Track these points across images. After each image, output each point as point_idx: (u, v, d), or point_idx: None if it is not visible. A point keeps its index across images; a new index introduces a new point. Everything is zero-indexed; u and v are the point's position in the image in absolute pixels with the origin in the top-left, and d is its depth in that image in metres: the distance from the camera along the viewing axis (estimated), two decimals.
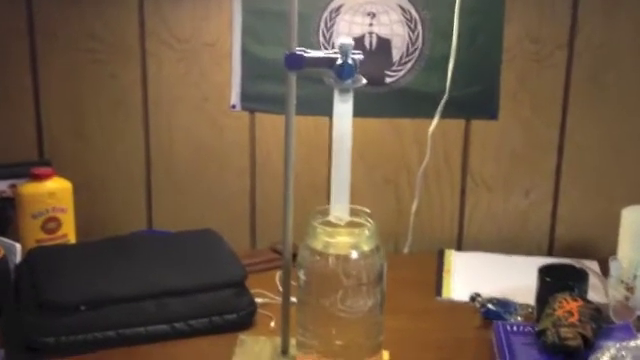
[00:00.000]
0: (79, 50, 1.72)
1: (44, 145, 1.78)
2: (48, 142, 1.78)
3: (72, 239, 1.66)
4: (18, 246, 1.56)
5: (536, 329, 1.36)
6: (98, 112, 1.76)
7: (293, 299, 1.30)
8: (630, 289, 1.48)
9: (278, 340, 1.36)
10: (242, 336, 1.40)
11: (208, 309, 1.43)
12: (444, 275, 1.65)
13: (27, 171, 1.63)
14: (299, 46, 1.64)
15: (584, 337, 1.31)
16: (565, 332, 1.31)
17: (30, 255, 1.53)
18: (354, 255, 1.22)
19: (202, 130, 1.76)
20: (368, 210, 1.26)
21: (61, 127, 1.77)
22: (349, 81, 1.18)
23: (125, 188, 1.80)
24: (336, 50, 1.19)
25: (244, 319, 1.45)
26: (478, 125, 1.71)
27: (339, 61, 1.18)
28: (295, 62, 1.20)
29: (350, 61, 1.17)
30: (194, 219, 1.76)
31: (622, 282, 1.49)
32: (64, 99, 1.76)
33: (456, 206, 1.76)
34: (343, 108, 1.20)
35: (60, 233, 1.64)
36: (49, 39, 1.72)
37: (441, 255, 1.73)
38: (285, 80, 1.25)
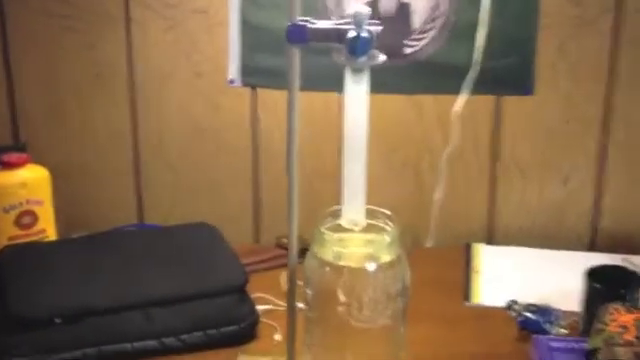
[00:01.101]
0: (53, 17, 1.55)
1: (18, 126, 1.62)
2: (23, 123, 1.62)
3: (51, 235, 1.50)
4: None
5: (585, 348, 1.17)
6: (77, 88, 1.60)
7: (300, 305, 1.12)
8: None
9: None
10: (242, 356, 1.21)
11: (203, 320, 1.26)
12: (472, 275, 1.47)
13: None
14: (302, 12, 1.45)
15: None
16: (620, 353, 1.12)
17: (1, 255, 1.37)
18: (371, 267, 1.03)
19: (196, 109, 1.59)
20: (388, 212, 1.07)
21: (36, 105, 1.61)
22: (363, 58, 0.97)
23: (110, 176, 1.65)
24: (348, 19, 0.98)
25: (245, 331, 1.28)
26: (510, 102, 1.53)
27: (351, 34, 0.96)
28: (298, 35, 0.99)
29: (365, 33, 0.96)
30: (189, 210, 1.62)
31: None
32: (39, 73, 1.59)
33: (485, 194, 1.59)
34: (356, 90, 0.99)
35: (37, 228, 1.48)
36: (18, 4, 1.55)
37: (468, 250, 1.55)
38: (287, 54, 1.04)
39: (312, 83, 1.48)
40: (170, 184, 1.64)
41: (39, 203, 1.47)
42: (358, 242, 1.05)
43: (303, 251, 1.48)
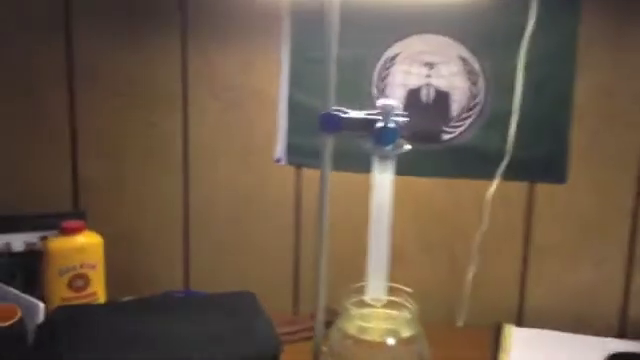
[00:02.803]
0: (118, 95, 1.65)
1: (79, 194, 1.71)
2: (83, 191, 1.71)
3: (101, 297, 1.57)
4: (41, 306, 1.46)
5: None
6: (136, 161, 1.68)
7: None
8: None
9: None
10: None
11: None
12: (501, 356, 1.49)
13: (60, 223, 1.54)
14: (350, 98, 1.53)
15: None
16: None
17: (52, 316, 1.43)
18: (391, 342, 1.09)
19: (245, 184, 1.66)
20: (409, 289, 1.13)
21: (97, 176, 1.70)
22: (390, 147, 1.05)
23: (161, 243, 1.71)
24: (377, 110, 1.06)
25: None
26: (543, 188, 1.57)
27: (379, 124, 1.05)
28: (331, 124, 1.08)
29: (391, 124, 1.04)
30: (234, 278, 1.67)
31: None
32: (102, 146, 1.69)
33: (517, 276, 1.62)
34: (382, 178, 1.07)
35: (88, 291, 1.55)
36: (88, 83, 1.65)
37: (498, 331, 1.57)
38: (323, 140, 1.13)
39: (357, 165, 1.55)
40: (216, 252, 1.69)
41: (92, 267, 1.53)
42: (380, 318, 1.11)
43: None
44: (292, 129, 1.61)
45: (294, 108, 1.60)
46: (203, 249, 1.71)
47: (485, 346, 1.52)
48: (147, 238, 1.71)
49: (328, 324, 1.53)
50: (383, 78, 1.55)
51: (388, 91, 1.55)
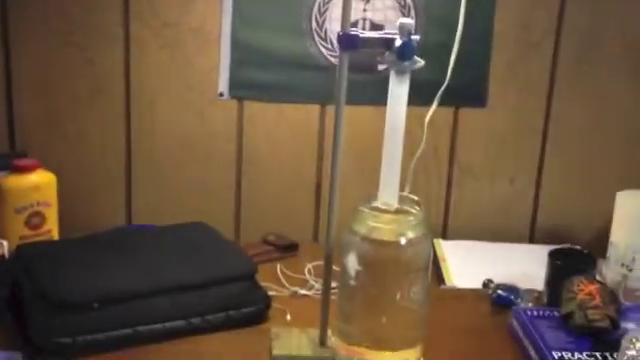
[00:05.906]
0: (54, 33, 1.62)
1: (16, 134, 1.67)
2: (20, 131, 1.67)
3: (55, 235, 1.57)
4: (5, 243, 1.46)
5: (562, 312, 1.38)
6: (74, 100, 1.66)
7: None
8: (630, 271, 1.52)
9: (311, 331, 1.32)
10: (275, 329, 1.35)
11: (225, 303, 1.37)
12: (441, 264, 1.64)
13: (2, 163, 1.53)
14: (288, 32, 1.57)
15: (610, 318, 1.34)
16: (592, 314, 1.34)
17: (21, 252, 1.43)
18: (404, 241, 1.19)
19: (187, 119, 1.69)
20: (416, 197, 1.24)
21: (34, 115, 1.66)
22: (407, 62, 1.15)
23: (103, 181, 1.71)
24: (393, 30, 1.16)
25: (261, 312, 1.41)
26: (466, 113, 1.72)
27: (399, 41, 1.15)
28: (350, 43, 1.16)
29: (411, 41, 1.14)
30: (176, 212, 1.69)
31: (622, 265, 1.52)
32: (38, 85, 1.65)
33: (442, 195, 1.77)
34: (399, 91, 1.17)
35: (44, 229, 1.54)
36: (22, 20, 1.61)
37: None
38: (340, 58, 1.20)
39: (297, 95, 1.65)
40: (158, 188, 1.71)
41: (47, 205, 1.53)
42: (394, 220, 1.21)
43: (289, 247, 1.65)
44: (235, 63, 1.66)
45: (237, 43, 1.65)
46: (145, 185, 1.72)
47: None
48: (88, 177, 1.71)
49: (286, 248, 1.63)
50: (322, 13, 1.64)
51: (327, 25, 1.64)
